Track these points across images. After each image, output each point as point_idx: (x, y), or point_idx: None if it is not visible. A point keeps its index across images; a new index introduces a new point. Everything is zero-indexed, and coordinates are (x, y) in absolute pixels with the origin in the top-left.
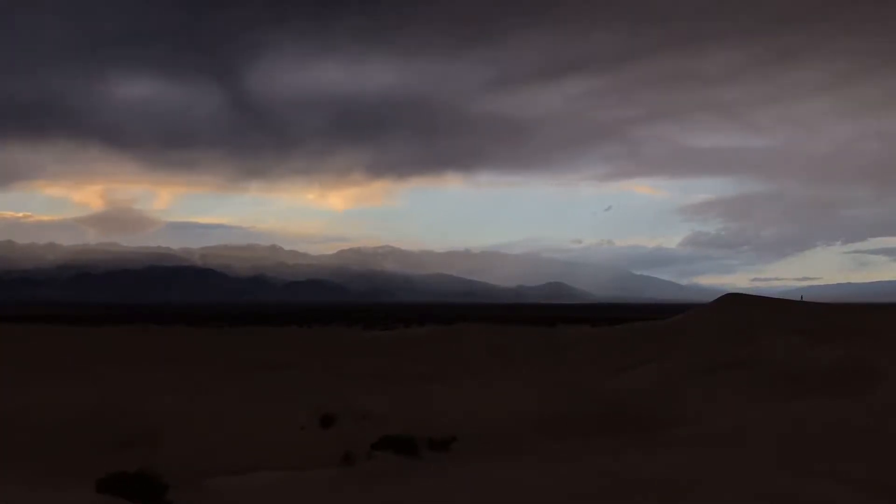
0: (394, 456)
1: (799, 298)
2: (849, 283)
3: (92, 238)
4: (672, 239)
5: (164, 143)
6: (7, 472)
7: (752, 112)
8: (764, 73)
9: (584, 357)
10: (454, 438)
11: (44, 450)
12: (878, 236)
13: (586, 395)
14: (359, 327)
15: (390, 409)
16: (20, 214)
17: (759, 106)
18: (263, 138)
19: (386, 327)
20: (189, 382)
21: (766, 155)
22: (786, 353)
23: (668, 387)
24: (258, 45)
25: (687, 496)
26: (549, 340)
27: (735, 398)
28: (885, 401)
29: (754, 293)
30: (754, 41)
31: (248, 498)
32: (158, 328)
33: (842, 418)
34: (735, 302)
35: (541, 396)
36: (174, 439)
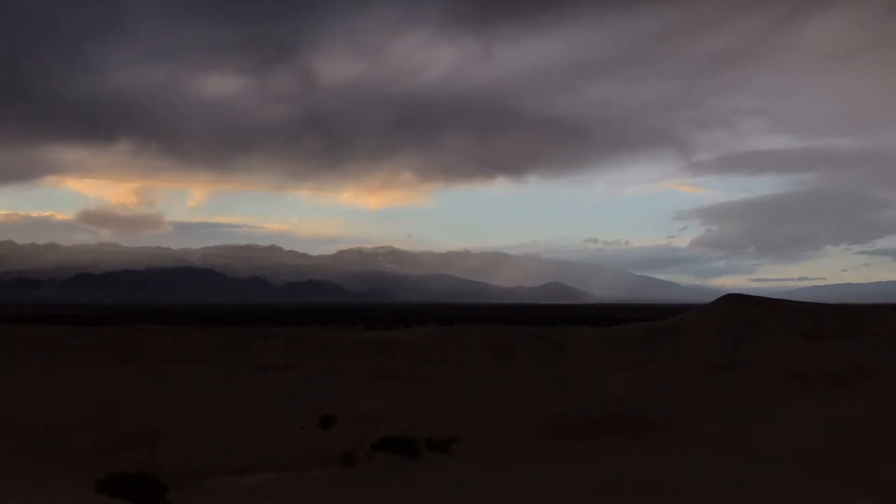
0: (394, 456)
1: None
2: (850, 284)
3: (101, 237)
4: (684, 239)
5: (222, 145)
6: (7, 472)
7: (797, 118)
8: (813, 83)
9: (584, 358)
10: (454, 439)
11: (43, 450)
12: (884, 237)
13: (586, 395)
14: (359, 327)
15: (390, 409)
16: (46, 213)
17: (803, 112)
18: (316, 142)
19: (386, 327)
20: (189, 383)
21: (800, 157)
22: (786, 353)
23: (668, 387)
24: (327, 49)
25: (686, 497)
26: (548, 341)
27: (734, 398)
28: (884, 401)
29: (755, 293)
30: (800, 55)
31: (248, 498)
32: (158, 328)
33: (842, 418)
34: (735, 302)
35: (540, 397)
36: (174, 439)
